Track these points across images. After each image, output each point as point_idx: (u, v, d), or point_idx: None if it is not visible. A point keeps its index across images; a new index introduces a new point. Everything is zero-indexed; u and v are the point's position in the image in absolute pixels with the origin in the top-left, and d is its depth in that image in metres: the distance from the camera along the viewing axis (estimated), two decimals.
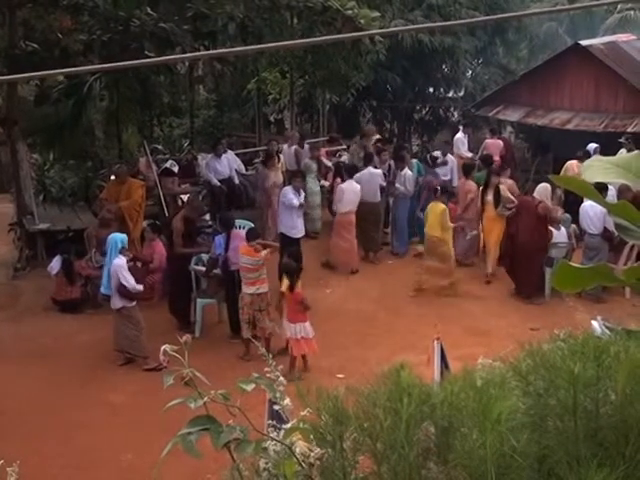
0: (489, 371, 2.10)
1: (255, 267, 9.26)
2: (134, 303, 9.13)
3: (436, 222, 11.35)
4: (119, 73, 13.14)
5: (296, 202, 11.60)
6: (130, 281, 8.92)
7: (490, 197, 11.70)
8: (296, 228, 11.73)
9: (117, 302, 9.08)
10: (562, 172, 13.28)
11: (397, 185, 13.02)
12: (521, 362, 2.05)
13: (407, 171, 13.12)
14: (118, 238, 9.12)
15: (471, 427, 1.91)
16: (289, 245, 11.30)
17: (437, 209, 11.38)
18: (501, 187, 11.69)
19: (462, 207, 12.46)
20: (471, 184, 12.56)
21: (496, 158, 14.94)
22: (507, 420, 1.86)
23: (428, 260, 11.51)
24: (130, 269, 9.18)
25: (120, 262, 8.98)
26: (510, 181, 12.63)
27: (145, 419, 7.60)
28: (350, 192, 12.34)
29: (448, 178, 13.88)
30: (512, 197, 11.74)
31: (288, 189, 11.92)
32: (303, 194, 12.05)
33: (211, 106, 20.98)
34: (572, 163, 13.42)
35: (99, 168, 15.35)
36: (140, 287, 9.11)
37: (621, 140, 14.60)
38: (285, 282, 8.91)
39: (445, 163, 14.12)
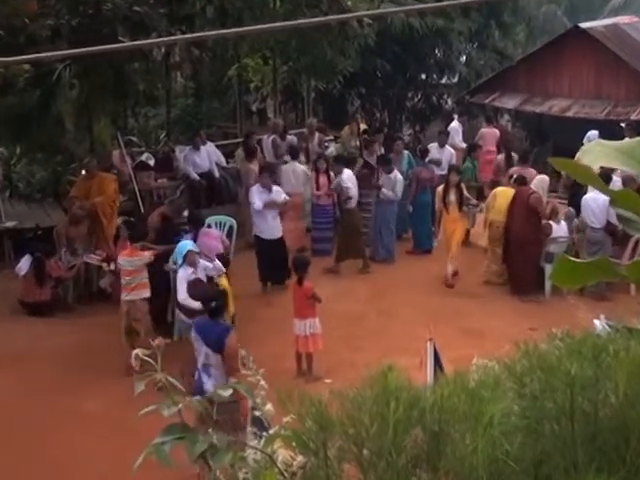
0: (482, 373, 2.11)
1: (134, 270, 9.18)
2: (191, 320, 8.29)
3: (505, 207, 11.55)
4: (90, 60, 13.06)
5: (259, 206, 11.24)
6: (180, 294, 8.52)
7: (453, 197, 11.77)
8: (270, 229, 11.42)
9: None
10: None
11: (384, 191, 12.50)
12: (516, 363, 2.05)
13: (397, 174, 12.58)
14: (187, 245, 8.79)
15: (463, 432, 1.92)
16: (265, 248, 11.30)
17: (509, 193, 11.63)
18: (462, 186, 11.88)
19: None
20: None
21: (492, 148, 15.02)
22: (500, 423, 1.87)
23: (496, 248, 11.74)
24: (194, 283, 8.66)
25: (182, 274, 8.63)
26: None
27: (119, 428, 7.57)
28: (289, 172, 13.00)
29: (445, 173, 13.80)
30: (471, 197, 12.22)
31: (254, 189, 11.51)
32: (278, 189, 11.70)
33: (189, 95, 20.94)
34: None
35: (69, 162, 15.26)
36: (196, 305, 7.88)
37: (622, 125, 14.68)
38: (294, 278, 9.09)
39: (438, 163, 13.79)
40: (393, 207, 12.79)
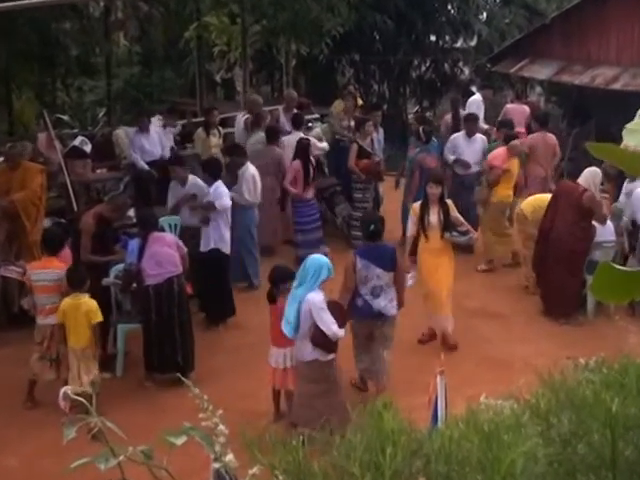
0: (498, 412, 2.15)
1: (50, 286, 9.19)
2: (331, 356, 8.38)
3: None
4: (8, 20, 13.07)
5: (228, 203, 11.16)
6: (332, 327, 8.21)
7: (434, 217, 10.50)
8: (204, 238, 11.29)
9: (306, 352, 8.43)
10: None
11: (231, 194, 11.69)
12: (540, 398, 2.09)
13: (247, 169, 12.27)
14: (324, 264, 8.40)
15: None
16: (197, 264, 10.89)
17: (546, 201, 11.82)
18: (449, 203, 10.68)
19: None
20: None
21: (520, 129, 15.07)
22: (523, 473, 1.90)
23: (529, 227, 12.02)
24: (332, 307, 8.47)
25: (319, 298, 8.28)
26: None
27: None
28: (292, 144, 13.38)
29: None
30: (462, 219, 10.82)
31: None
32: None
33: (135, 62, 20.96)
34: None
35: None
36: (342, 333, 8.34)
37: None
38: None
39: (467, 166, 13.79)
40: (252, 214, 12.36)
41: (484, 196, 13.02)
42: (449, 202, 10.69)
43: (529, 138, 13.81)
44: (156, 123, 14.75)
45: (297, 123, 14.18)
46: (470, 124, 14.14)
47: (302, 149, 13.20)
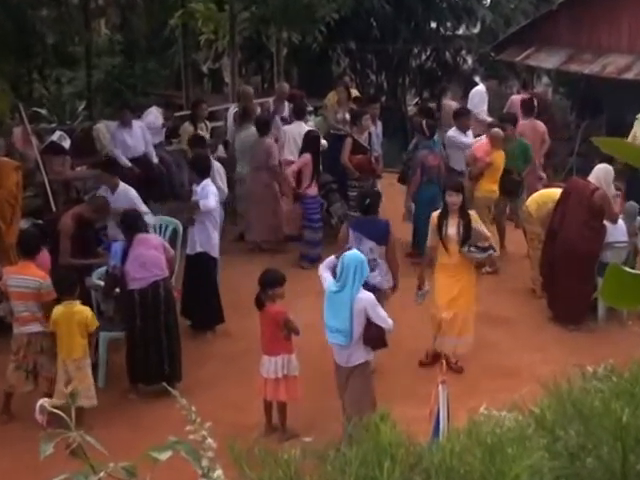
0: (501, 423, 2.16)
1: (27, 293, 9.18)
2: (372, 355, 8.74)
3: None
4: None
5: (212, 204, 11.01)
6: (388, 320, 8.39)
7: (452, 229, 10.04)
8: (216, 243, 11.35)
9: (359, 356, 8.54)
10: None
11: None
12: (545, 409, 2.10)
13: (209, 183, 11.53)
14: (363, 259, 8.45)
15: None
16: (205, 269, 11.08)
17: (555, 196, 11.86)
18: (472, 214, 10.27)
19: None
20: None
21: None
22: None
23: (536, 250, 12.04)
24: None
25: (370, 294, 8.42)
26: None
27: None
28: (293, 134, 13.77)
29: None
30: (487, 232, 10.40)
31: (207, 182, 11.20)
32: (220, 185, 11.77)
33: (117, 52, 20.95)
34: None
35: None
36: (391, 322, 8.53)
37: None
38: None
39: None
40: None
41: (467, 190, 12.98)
42: (472, 213, 10.28)
43: (519, 125, 13.88)
44: (155, 113, 14.77)
45: (299, 113, 14.23)
46: (463, 119, 14.17)
47: (312, 141, 13.22)
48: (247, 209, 13.73)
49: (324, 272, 8.65)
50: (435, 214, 10.23)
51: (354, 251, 8.65)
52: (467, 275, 10.17)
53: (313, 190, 13.24)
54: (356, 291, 8.22)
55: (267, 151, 13.34)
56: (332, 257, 8.85)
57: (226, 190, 12.34)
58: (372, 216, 10.15)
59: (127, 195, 11.28)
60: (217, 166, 12.18)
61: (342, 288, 8.25)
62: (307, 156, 13.02)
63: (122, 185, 11.39)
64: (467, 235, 9.94)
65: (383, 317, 8.32)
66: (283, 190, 13.59)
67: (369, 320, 8.29)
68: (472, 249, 9.98)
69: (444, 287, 10.11)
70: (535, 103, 15.04)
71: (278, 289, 8.82)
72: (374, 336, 8.36)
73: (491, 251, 10.21)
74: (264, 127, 13.50)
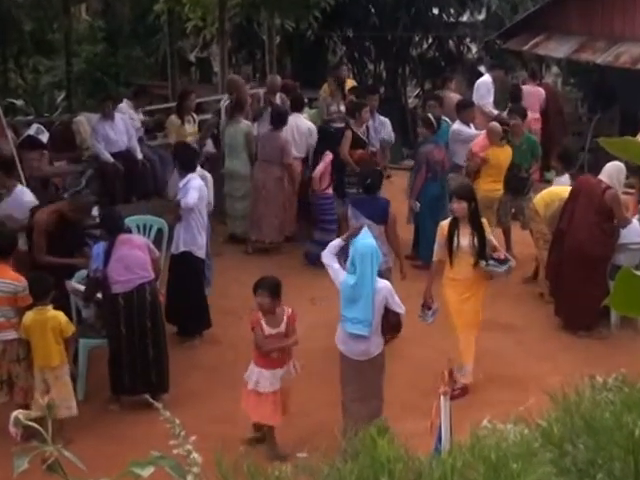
0: (505, 437, 2.17)
1: (10, 298, 9.10)
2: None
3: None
4: None
5: (191, 201, 10.93)
6: (402, 306, 8.81)
7: (465, 240, 9.72)
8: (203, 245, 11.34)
9: (378, 345, 8.73)
10: None
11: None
12: (553, 422, 2.10)
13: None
14: (374, 245, 8.59)
15: None
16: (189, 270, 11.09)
17: (564, 194, 11.84)
18: (484, 223, 9.99)
19: None
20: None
21: (534, 114, 15.12)
22: None
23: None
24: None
25: (388, 284, 8.73)
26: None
27: None
28: (291, 127, 13.81)
29: None
30: (495, 242, 10.19)
31: (191, 177, 11.18)
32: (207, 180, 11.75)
33: (99, 39, 20.93)
34: None
35: None
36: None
37: None
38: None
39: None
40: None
41: None
42: (484, 222, 9.98)
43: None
44: (124, 109, 14.73)
45: (297, 105, 14.26)
46: (466, 112, 14.12)
47: (331, 138, 13.40)
48: (253, 206, 13.72)
49: (332, 262, 8.81)
50: (444, 223, 9.92)
51: (364, 236, 8.70)
52: (478, 290, 9.94)
53: (330, 189, 13.35)
54: (374, 281, 8.46)
55: (282, 148, 13.40)
56: (337, 240, 9.09)
57: (212, 203, 12.09)
58: (373, 195, 10.93)
59: (17, 200, 10.96)
60: (207, 177, 12.03)
61: (361, 279, 8.39)
62: (330, 155, 13.11)
63: (19, 189, 11.12)
64: (482, 247, 9.65)
65: (399, 303, 8.67)
66: (293, 188, 13.75)
67: (386, 308, 8.57)
68: (491, 262, 9.69)
69: (455, 305, 9.85)
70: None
71: (259, 297, 8.63)
72: (393, 323, 8.87)
73: (511, 263, 9.88)
74: (279, 120, 13.52)
